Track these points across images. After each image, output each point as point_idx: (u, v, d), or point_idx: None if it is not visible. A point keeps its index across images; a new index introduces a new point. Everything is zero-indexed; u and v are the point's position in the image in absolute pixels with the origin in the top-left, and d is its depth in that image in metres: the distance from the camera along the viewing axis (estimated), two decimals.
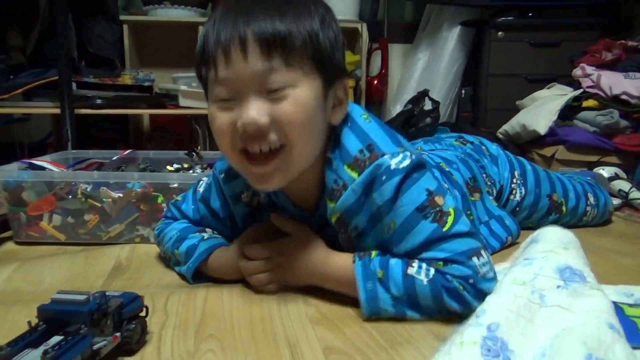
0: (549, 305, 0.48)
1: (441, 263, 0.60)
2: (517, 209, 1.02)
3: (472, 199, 0.90)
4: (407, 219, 0.61)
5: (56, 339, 0.47)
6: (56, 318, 0.50)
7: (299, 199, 0.72)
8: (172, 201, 0.86)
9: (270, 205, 0.75)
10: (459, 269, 0.59)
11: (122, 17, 2.12)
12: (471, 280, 0.58)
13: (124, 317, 0.53)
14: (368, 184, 0.62)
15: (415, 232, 0.61)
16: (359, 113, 0.68)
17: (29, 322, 0.49)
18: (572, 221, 1.07)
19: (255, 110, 0.57)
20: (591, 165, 1.54)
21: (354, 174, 0.63)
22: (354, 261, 0.63)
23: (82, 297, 0.50)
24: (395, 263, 0.62)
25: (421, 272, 0.60)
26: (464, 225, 0.62)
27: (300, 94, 0.58)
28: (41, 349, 0.45)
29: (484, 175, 0.96)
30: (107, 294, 0.53)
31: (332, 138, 0.66)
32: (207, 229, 0.80)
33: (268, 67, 0.57)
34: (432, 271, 0.60)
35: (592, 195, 1.09)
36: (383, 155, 0.62)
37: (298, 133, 0.59)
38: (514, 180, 1.01)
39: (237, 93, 0.59)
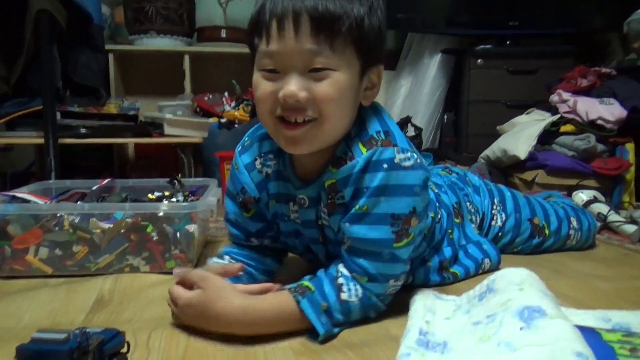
0: (517, 349, 0.50)
1: (366, 279, 0.68)
2: (500, 233, 1.04)
3: (456, 220, 0.93)
4: (378, 214, 0.67)
5: None
6: (36, 358, 0.49)
7: (306, 169, 0.75)
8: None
9: (277, 174, 0.77)
10: (376, 287, 0.69)
11: (108, 47, 2.14)
12: (382, 297, 0.70)
13: (105, 354, 0.52)
14: (370, 161, 0.67)
15: (375, 227, 0.67)
16: (385, 111, 0.74)
17: None
18: (556, 244, 1.09)
19: (297, 86, 0.63)
20: (570, 189, 1.57)
21: (364, 150, 0.68)
22: (297, 301, 0.65)
23: (62, 336, 0.50)
24: (328, 290, 0.67)
25: (352, 295, 0.68)
26: (406, 253, 0.70)
27: (340, 77, 0.64)
28: None
29: (468, 203, 1.00)
30: (87, 331, 0.52)
31: (358, 120, 0.71)
32: (224, 259, 0.81)
33: (315, 49, 0.62)
34: (359, 290, 0.68)
35: (575, 219, 1.11)
36: (395, 145, 0.67)
37: (331, 110, 0.65)
38: (494, 207, 1.04)
39: (283, 67, 0.64)
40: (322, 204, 0.74)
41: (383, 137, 0.68)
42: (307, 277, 0.70)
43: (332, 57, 0.63)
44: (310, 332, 0.66)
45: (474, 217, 1.00)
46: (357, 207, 0.68)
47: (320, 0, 0.61)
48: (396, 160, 0.66)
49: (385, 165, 0.66)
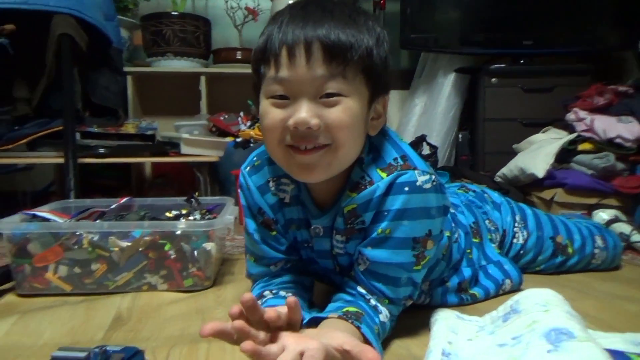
0: None
1: (387, 301, 0.69)
2: (522, 251, 1.02)
3: (475, 240, 0.92)
4: (401, 238, 0.67)
5: None
6: None
7: (322, 195, 0.74)
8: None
9: (294, 199, 0.75)
10: (396, 309, 0.71)
11: (126, 69, 2.18)
12: (395, 316, 0.71)
13: None
14: (391, 184, 0.66)
15: (398, 252, 0.68)
16: (395, 134, 0.75)
17: None
18: (580, 264, 1.06)
19: (308, 112, 0.61)
20: (590, 208, 1.54)
21: (384, 175, 0.68)
22: (357, 327, 0.62)
23: (82, 355, 0.50)
24: (374, 313, 0.67)
25: (385, 316, 0.68)
26: (421, 276, 0.72)
27: (350, 103, 0.63)
28: None
29: (487, 221, 0.99)
30: (107, 349, 0.52)
31: (369, 145, 0.71)
32: (265, 296, 0.73)
33: (327, 74, 0.61)
34: (386, 311, 0.69)
35: (600, 238, 1.08)
36: (415, 168, 0.67)
37: (344, 137, 0.64)
38: (516, 224, 1.02)
39: (293, 93, 0.63)
40: (336, 232, 0.73)
41: (401, 162, 0.69)
42: (340, 299, 0.69)
43: (344, 84, 0.62)
44: None
45: (494, 236, 0.98)
46: (379, 230, 0.67)
47: (332, 30, 0.61)
48: (418, 183, 0.66)
49: (406, 188, 0.66)
